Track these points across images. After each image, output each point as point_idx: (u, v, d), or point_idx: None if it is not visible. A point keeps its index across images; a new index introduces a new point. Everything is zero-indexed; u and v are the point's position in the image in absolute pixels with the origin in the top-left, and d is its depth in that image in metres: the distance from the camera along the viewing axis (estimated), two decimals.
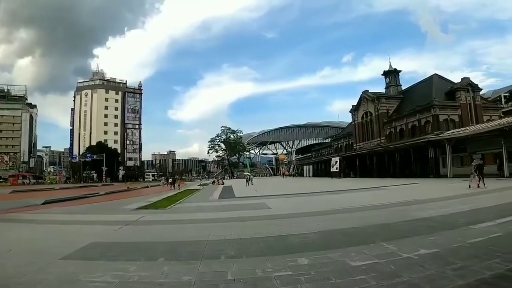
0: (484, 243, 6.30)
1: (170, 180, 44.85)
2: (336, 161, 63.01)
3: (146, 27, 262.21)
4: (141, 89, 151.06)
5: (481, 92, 59.89)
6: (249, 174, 59.00)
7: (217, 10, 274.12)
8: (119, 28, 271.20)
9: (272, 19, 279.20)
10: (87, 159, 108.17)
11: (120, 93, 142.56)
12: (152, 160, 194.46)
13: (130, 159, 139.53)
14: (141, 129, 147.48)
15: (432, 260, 5.36)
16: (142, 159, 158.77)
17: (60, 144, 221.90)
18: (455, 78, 69.21)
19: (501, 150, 30.39)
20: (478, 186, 18.57)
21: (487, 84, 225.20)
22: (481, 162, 21.16)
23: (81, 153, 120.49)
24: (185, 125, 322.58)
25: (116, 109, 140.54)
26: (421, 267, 5.05)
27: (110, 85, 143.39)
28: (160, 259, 6.17)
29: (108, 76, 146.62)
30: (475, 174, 19.27)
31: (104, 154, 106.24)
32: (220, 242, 7.57)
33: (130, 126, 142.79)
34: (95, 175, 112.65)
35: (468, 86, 54.66)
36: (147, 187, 51.48)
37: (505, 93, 79.62)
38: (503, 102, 74.60)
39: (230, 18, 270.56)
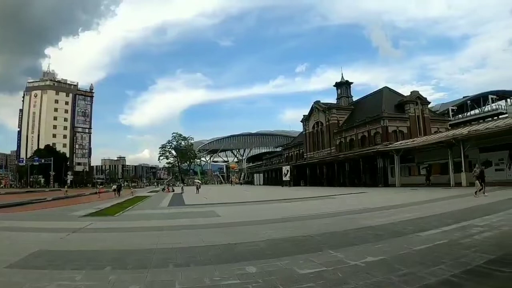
0: (430, 250, 6.51)
1: (114, 186, 43.40)
2: (287, 170, 63.83)
3: (100, 29, 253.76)
4: (93, 92, 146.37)
5: (429, 105, 62.89)
6: (199, 181, 59.52)
7: (173, 15, 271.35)
8: (73, 29, 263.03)
9: (228, 27, 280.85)
10: (34, 163, 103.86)
11: (70, 95, 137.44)
12: (101, 166, 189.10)
13: (79, 164, 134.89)
14: (91, 133, 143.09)
15: (379, 267, 5.45)
16: (91, 164, 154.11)
17: (6, 147, 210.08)
18: (406, 91, 72.35)
19: (448, 161, 31.87)
20: (476, 194, 18.02)
21: (436, 97, 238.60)
22: (483, 168, 20.75)
23: (28, 156, 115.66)
24: (136, 131, 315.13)
25: (66, 111, 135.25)
26: (367, 274, 5.12)
27: (61, 86, 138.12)
28: (107, 267, 6.06)
29: (59, 77, 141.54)
30: (478, 181, 18.64)
31: (52, 158, 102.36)
32: (169, 250, 7.52)
33: (80, 129, 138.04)
34: (42, 180, 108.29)
35: (417, 99, 57.13)
36: (96, 193, 49.98)
37: (453, 106, 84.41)
38: (450, 115, 79.10)
39: (186, 24, 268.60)
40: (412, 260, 5.81)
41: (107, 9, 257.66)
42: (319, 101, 73.74)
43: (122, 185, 59.91)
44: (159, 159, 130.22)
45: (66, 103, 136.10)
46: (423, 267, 5.29)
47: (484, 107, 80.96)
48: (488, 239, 7.28)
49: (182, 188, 52.36)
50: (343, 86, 75.74)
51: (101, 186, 61.19)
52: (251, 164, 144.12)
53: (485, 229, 8.38)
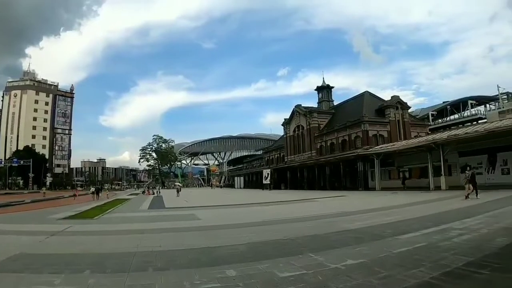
0: (409, 253, 6.56)
1: (93, 189, 42.73)
2: (268, 173, 64.05)
3: (82, 29, 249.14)
4: (73, 93, 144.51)
5: (410, 110, 63.95)
6: (179, 184, 59.64)
7: (156, 16, 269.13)
8: (55, 28, 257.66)
9: (211, 29, 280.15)
10: (13, 165, 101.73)
11: (51, 95, 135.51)
12: (81, 168, 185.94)
13: (58, 165, 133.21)
14: (71, 134, 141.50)
15: (359, 270, 5.46)
16: (71, 166, 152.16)
17: None
18: (386, 96, 73.60)
19: (427, 165, 32.39)
20: (467, 197, 18.01)
21: (416, 102, 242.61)
22: (474, 171, 20.70)
23: (7, 157, 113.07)
24: (116, 133, 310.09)
25: (46, 112, 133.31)
26: (348, 277, 5.12)
27: (41, 86, 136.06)
28: (86, 271, 5.97)
29: (40, 77, 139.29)
30: (470, 185, 18.62)
31: (31, 160, 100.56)
32: (148, 253, 7.44)
33: (59, 131, 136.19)
34: (21, 181, 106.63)
35: (398, 104, 58.01)
36: (75, 195, 49.38)
37: (433, 111, 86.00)
38: (430, 120, 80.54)
39: (168, 25, 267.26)
40: (392, 263, 5.84)
41: (89, 9, 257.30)
42: (300, 105, 74.14)
43: (102, 187, 59.20)
44: (139, 161, 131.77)
45: (46, 103, 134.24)
46: (403, 270, 5.32)
47: (463, 112, 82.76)
48: (467, 242, 7.38)
49: (157, 191, 52.18)
50: (324, 90, 76.57)
51: (80, 189, 60.32)
52: (231, 167, 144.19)
53: (464, 232, 8.50)
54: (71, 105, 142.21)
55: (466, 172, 19.77)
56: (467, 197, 17.99)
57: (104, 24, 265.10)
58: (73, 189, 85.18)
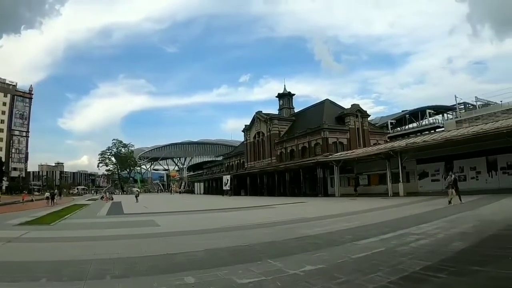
0: (367, 258, 6.65)
1: (48, 194, 41.08)
2: (228, 179, 63.96)
3: (43, 28, 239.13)
4: (32, 94, 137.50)
5: (369, 118, 65.52)
6: (138, 190, 58.81)
7: (119, 17, 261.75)
8: (15, 26, 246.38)
9: (174, 33, 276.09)
10: None
11: (8, 95, 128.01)
12: (38, 172, 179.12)
13: (15, 169, 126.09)
14: (28, 137, 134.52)
15: (318, 276, 5.48)
16: (28, 170, 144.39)
17: None
18: (347, 104, 74.68)
19: (386, 172, 33.27)
20: (450, 202, 17.73)
21: (376, 111, 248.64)
22: (456, 176, 20.21)
23: None
24: (75, 136, 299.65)
25: (3, 113, 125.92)
26: (306, 282, 5.13)
27: None
28: (43, 279, 5.84)
29: None
30: (452, 190, 18.25)
31: None
32: (106, 261, 7.31)
33: (17, 133, 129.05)
34: None
35: (358, 112, 59.29)
36: (32, 200, 47.55)
37: (392, 120, 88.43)
38: (389, 128, 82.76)
39: (131, 27, 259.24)
40: (351, 268, 5.90)
41: (51, 8, 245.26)
42: (261, 111, 74.43)
43: (62, 192, 57.43)
44: (98, 166, 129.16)
45: (4, 103, 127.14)
46: (361, 275, 5.38)
47: (421, 121, 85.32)
48: (424, 247, 7.58)
49: (108, 196, 51.11)
50: (285, 97, 77.36)
51: (37, 193, 58.20)
52: (192, 173, 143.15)
53: (421, 237, 8.73)
54: (30, 106, 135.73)
55: (449, 177, 19.28)
56: (450, 202, 17.81)
57: (66, 24, 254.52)
58: (30, 194, 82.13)
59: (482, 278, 5.06)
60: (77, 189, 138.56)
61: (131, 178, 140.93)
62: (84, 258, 7.61)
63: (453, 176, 19.13)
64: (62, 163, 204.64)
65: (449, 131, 33.98)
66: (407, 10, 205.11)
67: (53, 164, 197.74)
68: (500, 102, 59.93)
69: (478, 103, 68.43)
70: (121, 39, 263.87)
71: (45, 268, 6.65)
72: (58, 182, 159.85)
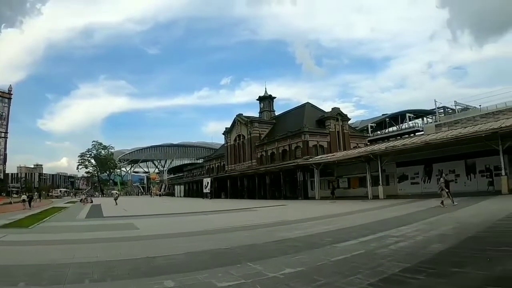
0: (347, 261, 6.69)
1: (24, 197, 40.17)
2: (208, 182, 63.79)
3: (24, 27, 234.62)
4: (11, 94, 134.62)
5: (350, 122, 65.94)
6: (117, 192, 58.61)
7: (101, 18, 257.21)
8: None
9: (156, 35, 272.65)
10: None
11: None
12: (17, 173, 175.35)
13: None
14: (7, 137, 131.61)
15: (297, 278, 5.48)
16: (7, 172, 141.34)
17: None
18: (327, 107, 75.22)
19: (366, 175, 33.54)
20: (443, 204, 17.71)
21: (356, 114, 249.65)
22: (448, 178, 20.60)
23: None
24: (54, 137, 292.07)
25: None
26: (286, 285, 5.13)
27: None
28: (21, 284, 5.80)
29: None
30: (445, 191, 18.33)
31: None
32: (85, 264, 7.26)
33: None
34: None
35: (338, 115, 59.75)
36: (10, 203, 46.63)
37: (372, 123, 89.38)
38: (369, 132, 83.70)
39: (113, 28, 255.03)
40: (330, 271, 5.92)
41: (32, 7, 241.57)
42: (242, 114, 74.48)
43: (40, 194, 56.45)
44: (78, 168, 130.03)
45: None
46: (341, 277, 5.39)
47: (401, 125, 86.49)
48: (403, 249, 7.66)
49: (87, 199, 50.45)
50: (266, 100, 77.38)
51: (15, 196, 57.37)
52: (172, 176, 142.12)
53: (400, 239, 8.82)
54: (9, 107, 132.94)
55: (441, 178, 19.55)
56: (442, 203, 17.83)
57: (47, 23, 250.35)
58: (8, 196, 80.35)
59: (460, 279, 5.13)
60: (60, 191, 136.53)
61: (111, 181, 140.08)
62: (63, 262, 7.53)
63: (444, 178, 19.46)
64: (41, 165, 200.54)
65: (429, 134, 34.52)
66: (388, 15, 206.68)
67: (32, 166, 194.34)
68: (479, 107, 61.38)
69: (457, 107, 70.00)
70: (103, 39, 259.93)
71: (24, 272, 6.60)
72: (37, 184, 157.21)
